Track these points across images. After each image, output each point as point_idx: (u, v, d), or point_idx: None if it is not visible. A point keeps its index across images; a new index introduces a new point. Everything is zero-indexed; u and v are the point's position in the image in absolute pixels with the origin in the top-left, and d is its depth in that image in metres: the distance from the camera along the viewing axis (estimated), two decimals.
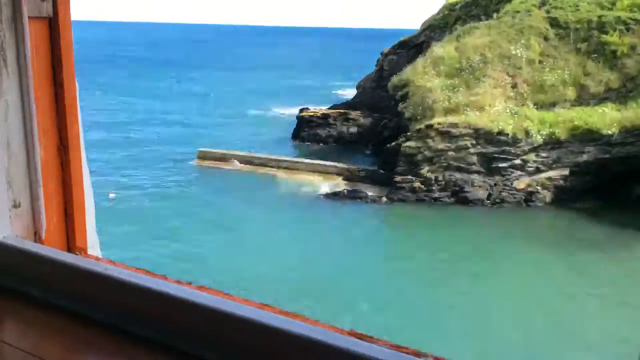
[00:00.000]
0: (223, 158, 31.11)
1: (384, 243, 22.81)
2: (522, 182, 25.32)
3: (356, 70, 59.76)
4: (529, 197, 25.21)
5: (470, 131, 25.31)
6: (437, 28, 38.67)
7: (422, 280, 18.72)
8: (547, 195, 25.37)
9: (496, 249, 21.13)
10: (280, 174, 29.16)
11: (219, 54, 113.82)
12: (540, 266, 19.64)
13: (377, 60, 42.57)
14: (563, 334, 15.34)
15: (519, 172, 25.33)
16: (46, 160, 1.68)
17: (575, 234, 22.63)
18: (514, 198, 25.16)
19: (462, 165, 25.30)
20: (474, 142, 25.29)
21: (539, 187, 25.38)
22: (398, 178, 25.62)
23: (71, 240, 1.74)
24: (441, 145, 25.32)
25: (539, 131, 25.27)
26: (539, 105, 26.98)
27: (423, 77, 28.56)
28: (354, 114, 36.87)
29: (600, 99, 27.32)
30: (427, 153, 25.37)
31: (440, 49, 30.06)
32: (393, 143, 28.05)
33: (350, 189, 26.69)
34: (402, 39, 41.56)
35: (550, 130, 25.39)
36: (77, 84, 1.73)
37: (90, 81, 56.06)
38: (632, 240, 21.68)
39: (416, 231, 23.03)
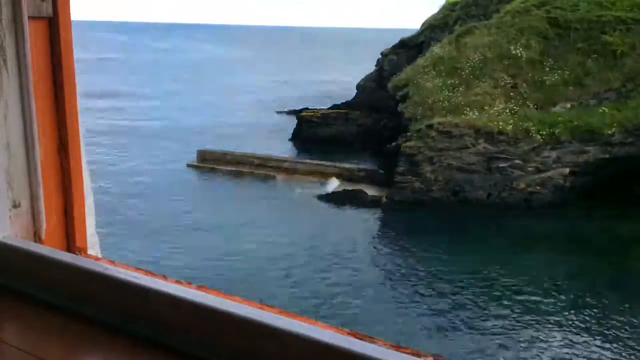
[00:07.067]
0: (223, 158, 31.07)
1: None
2: (522, 182, 25.31)
3: None
4: (529, 197, 25.20)
5: (470, 131, 25.31)
6: (437, 28, 38.71)
7: None
8: (547, 195, 25.36)
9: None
10: (280, 175, 29.15)
11: None
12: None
13: (377, 60, 42.59)
14: None
15: (519, 172, 25.32)
16: (46, 160, 1.68)
17: (574, 234, 22.67)
18: (514, 198, 25.15)
19: (462, 165, 25.29)
20: (474, 142, 25.29)
21: (538, 187, 25.37)
22: (398, 178, 25.62)
23: (71, 240, 1.74)
24: (441, 145, 25.31)
25: (538, 131, 25.26)
26: (539, 105, 26.97)
27: (423, 77, 28.56)
28: (354, 114, 36.90)
29: (600, 99, 27.33)
30: (427, 153, 25.35)
31: (440, 49, 30.06)
32: (393, 143, 28.04)
33: (350, 189, 26.67)
34: (402, 38, 41.58)
35: (550, 130, 25.38)
36: (77, 84, 1.73)
37: None
38: (631, 240, 21.71)
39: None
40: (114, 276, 1.46)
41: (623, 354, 14.51)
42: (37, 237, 1.69)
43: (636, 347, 14.79)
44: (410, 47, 39.69)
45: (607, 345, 14.92)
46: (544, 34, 29.24)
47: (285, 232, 22.22)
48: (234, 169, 29.94)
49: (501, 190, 25.20)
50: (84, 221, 1.77)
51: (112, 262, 1.56)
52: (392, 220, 24.36)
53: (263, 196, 26.40)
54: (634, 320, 15.98)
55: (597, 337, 15.29)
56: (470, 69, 28.11)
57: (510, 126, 25.22)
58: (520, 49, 28.46)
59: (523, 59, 28.29)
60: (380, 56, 41.98)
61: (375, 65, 42.49)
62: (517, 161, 25.28)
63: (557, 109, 27.00)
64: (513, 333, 15.46)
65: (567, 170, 25.63)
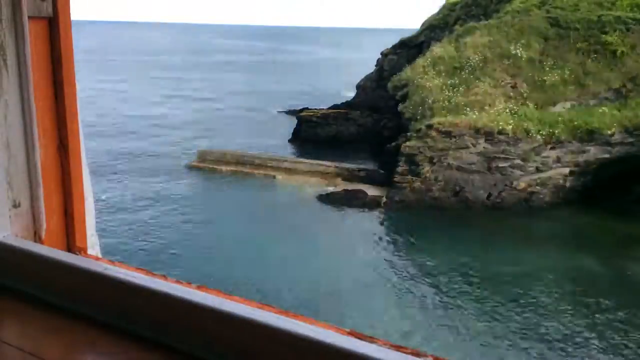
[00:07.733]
0: (223, 158, 31.04)
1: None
2: (522, 182, 25.31)
3: None
4: (529, 197, 25.21)
5: (471, 131, 25.30)
6: (437, 28, 38.72)
7: None
8: (547, 195, 25.37)
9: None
10: (280, 175, 29.13)
11: None
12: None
13: (377, 60, 42.60)
14: None
15: (519, 172, 25.32)
16: (46, 160, 1.68)
17: (574, 234, 22.67)
18: (514, 198, 25.15)
19: (462, 165, 25.29)
20: (474, 142, 25.29)
21: (538, 187, 25.38)
22: (398, 178, 25.61)
23: (71, 240, 1.74)
24: (441, 145, 25.30)
25: (538, 131, 25.26)
26: (539, 105, 26.97)
27: (423, 77, 28.55)
28: (354, 114, 36.89)
29: (601, 99, 27.34)
30: (427, 153, 25.34)
31: (440, 49, 30.05)
32: (393, 143, 28.02)
33: (350, 189, 26.66)
34: (402, 38, 41.59)
35: (550, 130, 25.38)
36: (77, 84, 1.73)
37: None
38: (631, 240, 21.71)
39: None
40: (114, 276, 1.46)
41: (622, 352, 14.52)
42: (37, 237, 1.69)
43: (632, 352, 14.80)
44: (410, 47, 39.70)
45: (606, 344, 14.94)
46: (544, 34, 29.24)
47: (284, 232, 22.22)
48: (234, 169, 29.93)
49: (501, 190, 25.21)
50: (84, 221, 1.77)
51: (112, 262, 1.56)
52: (392, 220, 24.35)
53: (262, 196, 26.39)
54: (634, 321, 15.99)
55: (597, 336, 15.30)
56: (470, 69, 28.11)
57: (510, 126, 25.22)
58: (520, 49, 28.46)
59: (523, 59, 28.29)
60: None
61: (375, 65, 42.49)
62: (517, 161, 25.28)
63: (557, 109, 27.00)
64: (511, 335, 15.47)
65: (567, 170, 25.64)
